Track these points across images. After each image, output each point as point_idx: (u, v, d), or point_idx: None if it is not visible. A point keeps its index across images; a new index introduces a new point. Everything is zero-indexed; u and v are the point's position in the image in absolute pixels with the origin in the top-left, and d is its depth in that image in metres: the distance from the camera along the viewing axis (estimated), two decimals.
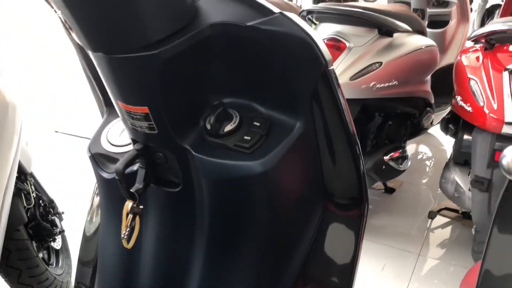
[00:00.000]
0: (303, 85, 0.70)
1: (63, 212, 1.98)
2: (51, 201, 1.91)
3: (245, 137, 0.73)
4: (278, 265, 0.84)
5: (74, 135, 3.63)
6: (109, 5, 0.59)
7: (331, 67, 0.69)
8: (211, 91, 0.74)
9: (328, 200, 0.83)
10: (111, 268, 0.94)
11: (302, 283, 0.87)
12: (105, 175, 0.88)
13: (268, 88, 0.73)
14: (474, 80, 1.90)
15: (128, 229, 0.80)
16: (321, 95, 0.70)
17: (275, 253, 0.83)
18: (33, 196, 1.72)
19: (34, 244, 1.73)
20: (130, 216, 0.80)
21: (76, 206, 2.42)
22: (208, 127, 0.74)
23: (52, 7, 0.66)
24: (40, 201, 1.83)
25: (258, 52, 0.69)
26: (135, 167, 0.82)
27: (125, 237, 0.80)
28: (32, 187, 1.74)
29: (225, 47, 0.69)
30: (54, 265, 1.89)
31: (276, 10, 0.67)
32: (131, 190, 0.78)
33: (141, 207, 0.80)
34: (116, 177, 0.77)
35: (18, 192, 1.60)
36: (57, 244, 1.92)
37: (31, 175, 1.78)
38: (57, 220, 1.92)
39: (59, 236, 1.94)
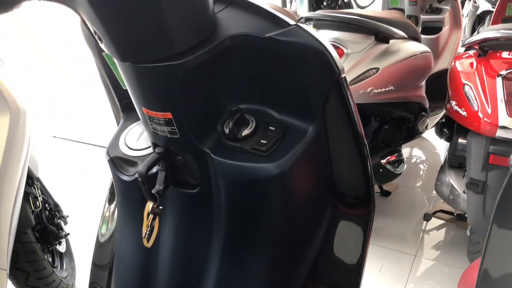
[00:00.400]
0: (317, 92, 0.74)
1: (67, 216, 2.01)
2: (56, 205, 1.94)
3: (262, 141, 0.77)
4: (290, 264, 0.88)
5: (73, 140, 3.65)
6: (139, 19, 0.63)
7: (343, 75, 0.73)
8: (229, 97, 0.78)
9: (337, 201, 0.87)
10: (128, 268, 0.97)
11: (312, 281, 0.91)
12: (124, 177, 0.91)
13: (283, 95, 0.77)
14: (469, 85, 1.96)
15: (149, 228, 0.84)
16: (334, 101, 0.74)
17: (288, 252, 0.87)
18: (39, 200, 1.75)
19: (40, 247, 1.76)
20: (151, 216, 0.84)
21: (77, 210, 2.45)
22: (227, 131, 0.78)
23: (82, 18, 0.70)
24: (46, 205, 1.86)
25: (275, 61, 0.73)
26: (154, 169, 0.86)
27: (146, 236, 0.84)
28: (39, 191, 1.77)
29: (243, 56, 0.73)
30: (59, 268, 1.92)
31: (292, 22, 0.71)
32: (152, 192, 0.82)
33: (161, 207, 0.84)
34: (139, 179, 0.81)
35: (26, 196, 1.64)
36: (62, 247, 1.95)
37: (38, 179, 1.81)
38: (62, 223, 1.95)
39: (64, 239, 1.97)
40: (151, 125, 0.78)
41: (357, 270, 0.91)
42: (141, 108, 0.77)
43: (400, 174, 2.43)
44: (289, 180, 0.78)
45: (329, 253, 0.91)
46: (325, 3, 3.62)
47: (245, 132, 0.78)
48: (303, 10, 3.99)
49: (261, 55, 0.73)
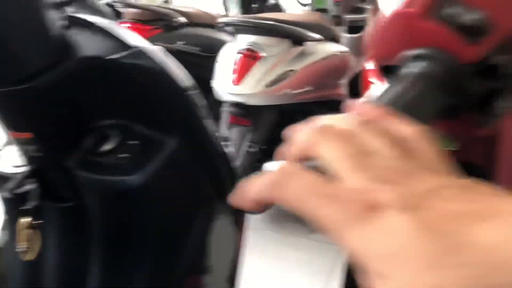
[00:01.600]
0: (168, 108, 0.81)
1: None
2: None
3: (124, 155, 0.83)
4: (170, 266, 0.94)
5: None
6: None
7: (191, 91, 0.80)
8: (90, 115, 0.83)
9: (208, 203, 0.94)
10: (17, 280, 1.01)
11: (194, 278, 0.97)
12: (5, 194, 0.95)
13: (141, 111, 0.83)
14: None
15: (26, 243, 0.88)
16: (185, 115, 0.81)
17: (166, 255, 0.93)
18: None
19: None
20: (29, 231, 0.88)
21: None
22: (90, 147, 0.83)
23: None
24: None
25: (125, 82, 0.79)
26: (33, 185, 0.90)
27: (25, 250, 0.88)
28: None
29: (95, 76, 0.79)
30: None
31: (135, 44, 0.77)
32: (26, 208, 0.86)
33: (40, 221, 0.88)
34: (9, 197, 0.85)
35: None
36: None
37: None
38: None
39: None
40: (17, 144, 0.82)
41: (233, 261, 0.97)
42: (5, 128, 0.81)
43: None
44: (154, 189, 0.84)
45: (207, 250, 0.97)
46: (253, 5, 3.69)
47: (108, 147, 0.83)
48: (236, 13, 4.06)
49: (111, 75, 0.78)
